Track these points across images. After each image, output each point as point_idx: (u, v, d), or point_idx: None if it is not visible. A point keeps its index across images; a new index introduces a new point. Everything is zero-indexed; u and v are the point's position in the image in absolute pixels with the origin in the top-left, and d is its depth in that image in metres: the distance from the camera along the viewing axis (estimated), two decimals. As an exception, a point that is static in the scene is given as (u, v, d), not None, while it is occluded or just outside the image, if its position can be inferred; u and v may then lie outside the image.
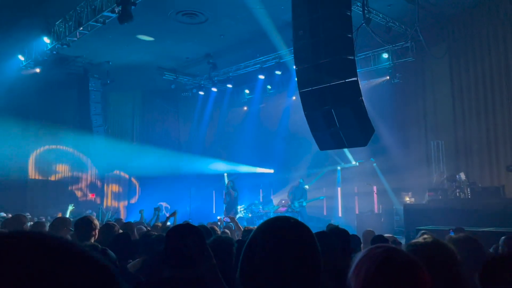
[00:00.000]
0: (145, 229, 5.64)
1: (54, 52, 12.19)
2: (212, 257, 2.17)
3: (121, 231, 4.22)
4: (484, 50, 11.78)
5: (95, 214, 11.87)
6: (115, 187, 18.12)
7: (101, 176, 17.52)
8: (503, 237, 4.37)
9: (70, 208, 10.44)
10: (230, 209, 14.40)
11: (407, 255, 1.26)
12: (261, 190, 16.84)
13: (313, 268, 1.17)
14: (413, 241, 1.96)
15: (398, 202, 12.38)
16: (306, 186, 14.07)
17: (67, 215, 9.27)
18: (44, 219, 9.15)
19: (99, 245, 2.89)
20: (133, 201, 18.43)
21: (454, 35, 12.18)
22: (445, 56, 12.28)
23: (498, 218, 8.53)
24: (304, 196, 13.64)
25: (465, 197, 10.16)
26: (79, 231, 3.74)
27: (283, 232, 1.19)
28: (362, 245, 4.93)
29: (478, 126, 11.87)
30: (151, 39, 12.53)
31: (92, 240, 3.64)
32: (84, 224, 3.74)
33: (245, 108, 17.63)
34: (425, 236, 1.95)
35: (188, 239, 2.06)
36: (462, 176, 11.24)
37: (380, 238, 3.78)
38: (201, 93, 16.74)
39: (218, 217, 11.36)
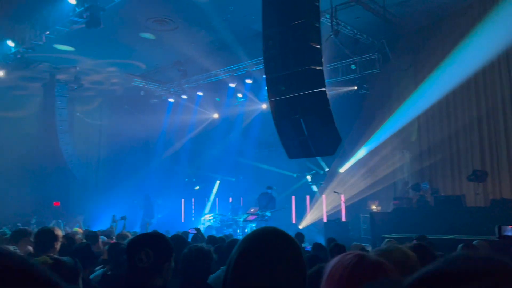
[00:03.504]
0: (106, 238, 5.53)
1: (18, 56, 11.84)
2: (171, 268, 2.14)
3: (84, 240, 4.12)
4: (447, 62, 12.19)
5: (61, 223, 11.45)
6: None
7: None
8: (460, 245, 4.52)
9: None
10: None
11: (376, 258, 1.29)
12: (230, 198, 16.74)
13: (301, 274, 1.21)
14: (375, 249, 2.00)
15: (365, 210, 12.59)
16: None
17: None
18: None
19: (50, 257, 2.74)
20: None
21: (419, 47, 12.57)
22: (410, 68, 12.66)
23: (459, 226, 8.82)
24: (271, 204, 13.58)
25: (429, 206, 10.45)
26: (39, 242, 3.58)
27: (271, 243, 1.25)
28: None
29: (441, 136, 12.25)
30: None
31: (54, 251, 3.50)
32: (45, 235, 3.58)
33: (216, 115, 17.58)
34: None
35: (144, 251, 2.02)
36: (426, 185, 11.58)
37: (337, 246, 3.90)
38: (171, 100, 16.58)
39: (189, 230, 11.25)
